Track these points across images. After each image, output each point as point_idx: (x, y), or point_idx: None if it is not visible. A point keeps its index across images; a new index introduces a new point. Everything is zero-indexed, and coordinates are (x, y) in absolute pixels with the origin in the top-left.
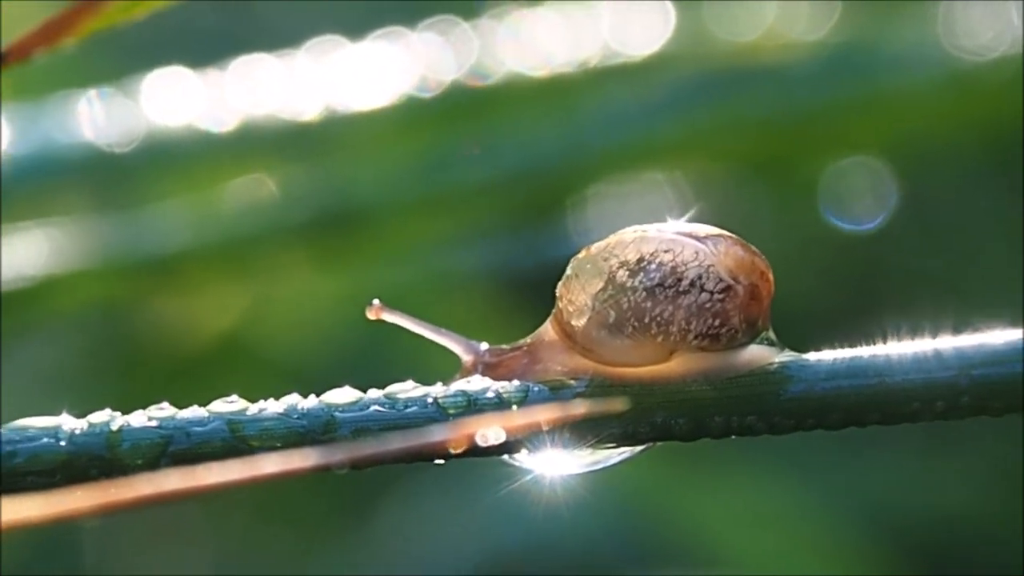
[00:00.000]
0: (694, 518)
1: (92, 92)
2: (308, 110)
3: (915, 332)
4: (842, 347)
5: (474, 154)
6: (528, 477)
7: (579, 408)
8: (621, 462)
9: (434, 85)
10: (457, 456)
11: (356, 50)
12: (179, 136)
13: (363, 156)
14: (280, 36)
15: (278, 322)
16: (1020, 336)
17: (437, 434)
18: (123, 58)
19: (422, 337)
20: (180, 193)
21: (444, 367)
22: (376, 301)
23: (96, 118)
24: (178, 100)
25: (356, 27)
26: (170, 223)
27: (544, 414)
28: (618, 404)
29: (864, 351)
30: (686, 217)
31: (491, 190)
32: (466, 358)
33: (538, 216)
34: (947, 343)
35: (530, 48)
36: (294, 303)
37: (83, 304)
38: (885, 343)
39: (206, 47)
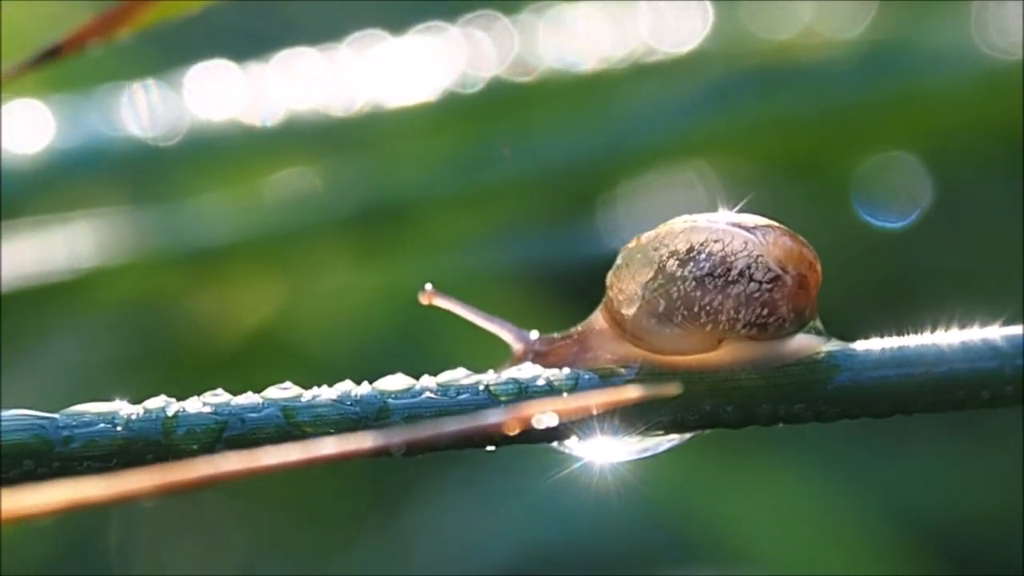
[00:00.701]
0: (725, 516)
1: (136, 86)
2: (350, 105)
3: (953, 325)
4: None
5: (513, 150)
6: (578, 464)
7: (632, 392)
8: (666, 453)
9: (475, 80)
10: (510, 441)
11: (397, 45)
12: (221, 130)
13: (403, 151)
14: (323, 31)
15: (316, 316)
16: None
17: (491, 418)
18: (167, 52)
19: (460, 332)
20: (222, 187)
21: (483, 362)
22: (428, 286)
23: (140, 112)
24: (221, 94)
25: (398, 22)
26: (212, 217)
27: (596, 399)
28: (672, 388)
29: (910, 341)
30: (735, 208)
31: (529, 186)
32: (516, 346)
33: (575, 212)
34: (992, 333)
35: (569, 44)
36: (333, 297)
37: (125, 297)
38: (929, 334)
39: (249, 42)
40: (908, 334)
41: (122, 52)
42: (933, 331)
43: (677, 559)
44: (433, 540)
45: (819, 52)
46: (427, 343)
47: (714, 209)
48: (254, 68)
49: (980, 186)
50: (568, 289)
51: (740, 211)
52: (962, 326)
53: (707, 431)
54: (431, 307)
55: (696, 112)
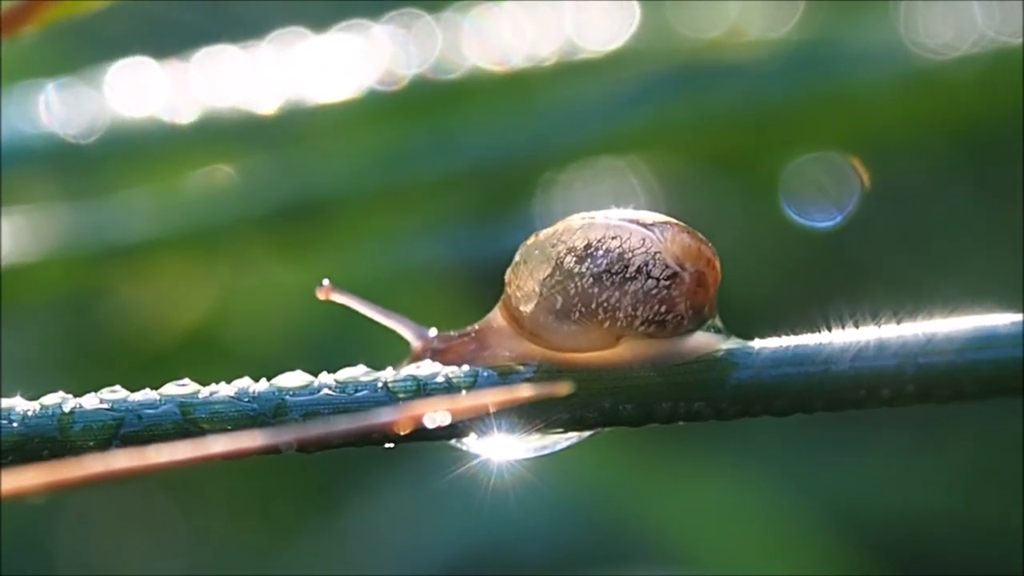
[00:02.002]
0: (663, 516)
1: (56, 82)
2: (271, 102)
3: (871, 322)
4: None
5: (436, 147)
6: (476, 462)
7: (525, 391)
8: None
9: (397, 78)
10: (405, 440)
11: (320, 42)
12: (142, 127)
13: (326, 148)
14: (244, 28)
15: (245, 314)
16: (965, 325)
17: (384, 416)
18: (87, 49)
19: (388, 328)
20: (143, 183)
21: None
22: (326, 281)
23: (60, 108)
24: (142, 91)
25: (320, 20)
26: (133, 213)
27: (491, 397)
28: (564, 388)
29: (810, 339)
30: (639, 204)
31: (453, 183)
32: (415, 343)
33: (500, 209)
34: (893, 332)
35: (493, 43)
36: (260, 295)
37: (47, 294)
38: (831, 332)
39: (169, 38)
40: (825, 328)
41: (40, 49)
42: (851, 325)
43: (615, 558)
44: (373, 538)
45: (746, 51)
46: (357, 339)
47: (636, 206)
48: (175, 65)
49: (908, 184)
50: (492, 286)
51: (661, 212)
52: (889, 321)
53: (608, 429)
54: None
55: (622, 110)
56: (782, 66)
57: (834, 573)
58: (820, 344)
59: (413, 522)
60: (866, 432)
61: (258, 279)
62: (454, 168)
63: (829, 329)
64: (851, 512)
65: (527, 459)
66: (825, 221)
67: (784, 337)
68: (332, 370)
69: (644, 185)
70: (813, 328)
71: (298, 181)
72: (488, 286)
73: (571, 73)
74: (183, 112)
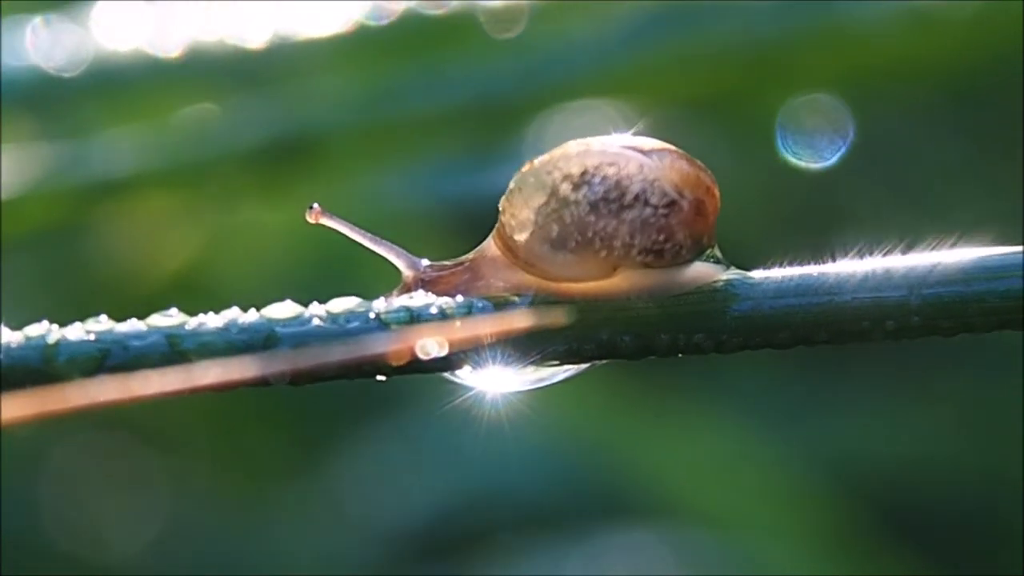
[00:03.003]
0: (654, 466)
1: (39, 17)
2: (259, 37)
3: (866, 256)
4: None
5: (425, 84)
6: (470, 394)
7: (522, 320)
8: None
9: (387, 12)
10: (398, 372)
11: None
12: (127, 62)
13: (314, 84)
14: None
15: (231, 253)
16: (972, 257)
17: (378, 346)
18: None
19: (378, 267)
20: (128, 119)
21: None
22: (316, 205)
23: (43, 43)
24: (126, 25)
25: None
26: (118, 149)
27: (487, 327)
28: (562, 317)
29: (813, 270)
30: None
31: (444, 120)
32: (406, 272)
33: (490, 146)
34: (898, 262)
35: None
36: (246, 233)
37: (30, 232)
38: (835, 263)
39: None
40: (825, 259)
41: None
42: (850, 257)
43: (606, 508)
44: (361, 491)
45: None
46: (345, 277)
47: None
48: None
49: (904, 125)
50: (481, 222)
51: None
52: (875, 256)
53: (605, 362)
54: (348, 241)
55: (614, 47)
56: (775, 4)
57: (824, 522)
58: (823, 275)
59: (395, 474)
60: (856, 384)
61: (245, 217)
62: (444, 105)
63: (833, 260)
64: (840, 462)
65: (522, 392)
66: (817, 162)
67: (786, 268)
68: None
69: (636, 125)
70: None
71: (286, 117)
72: (477, 224)
73: (563, 10)
74: (169, 47)
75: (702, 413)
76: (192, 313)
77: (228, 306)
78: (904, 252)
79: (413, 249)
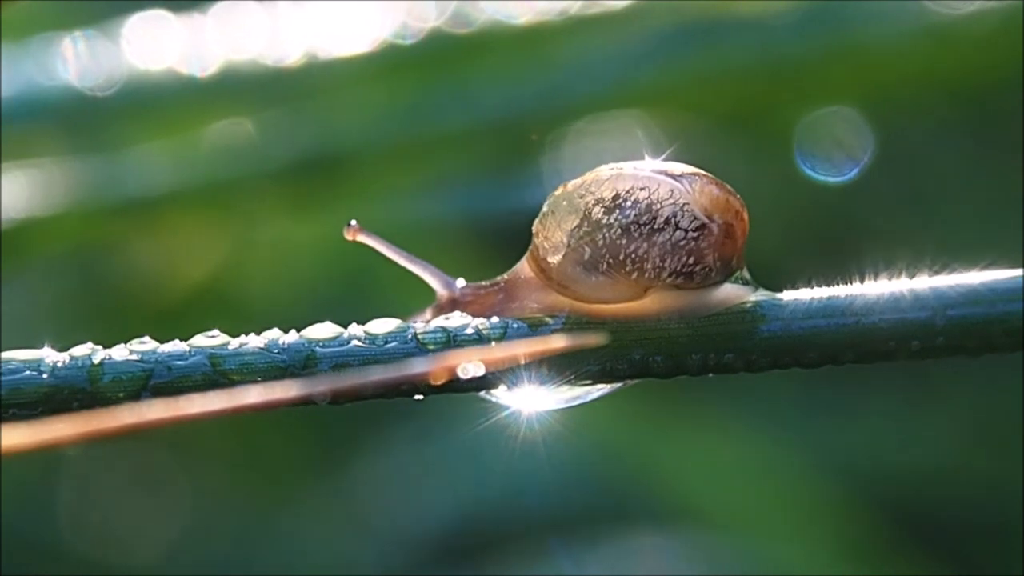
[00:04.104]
0: (672, 473)
1: (74, 35)
2: (289, 55)
3: (889, 276)
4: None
5: (452, 101)
6: (506, 413)
7: (559, 341)
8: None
9: (415, 31)
10: (437, 391)
11: None
12: (159, 80)
13: (343, 102)
14: None
15: (259, 268)
16: (996, 277)
17: (417, 366)
18: (105, 2)
19: (403, 283)
20: (160, 137)
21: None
22: (353, 222)
23: (77, 61)
24: (159, 44)
25: None
26: (150, 166)
27: (523, 348)
28: (596, 339)
29: (840, 291)
30: (663, 156)
31: (470, 136)
32: (442, 292)
33: (515, 162)
34: (923, 283)
35: None
36: (275, 249)
37: (65, 247)
38: (861, 284)
39: None
40: (850, 280)
41: (60, 4)
42: (875, 278)
43: (622, 514)
44: (380, 495)
45: (758, 5)
46: (370, 293)
47: (661, 159)
48: (193, 18)
49: (922, 139)
50: (507, 239)
51: (672, 161)
52: (899, 277)
53: (636, 381)
54: (374, 257)
55: (638, 64)
56: (794, 21)
57: (841, 528)
58: (851, 296)
59: (414, 480)
60: (869, 391)
61: (273, 234)
62: (470, 122)
63: (861, 282)
64: (856, 469)
65: (556, 410)
66: (836, 177)
67: (814, 289)
68: (346, 326)
69: (656, 140)
70: (826, 283)
71: (315, 135)
72: (504, 240)
73: (587, 27)
74: (200, 65)
75: (720, 420)
76: (219, 326)
77: (258, 320)
78: (929, 271)
79: (440, 264)
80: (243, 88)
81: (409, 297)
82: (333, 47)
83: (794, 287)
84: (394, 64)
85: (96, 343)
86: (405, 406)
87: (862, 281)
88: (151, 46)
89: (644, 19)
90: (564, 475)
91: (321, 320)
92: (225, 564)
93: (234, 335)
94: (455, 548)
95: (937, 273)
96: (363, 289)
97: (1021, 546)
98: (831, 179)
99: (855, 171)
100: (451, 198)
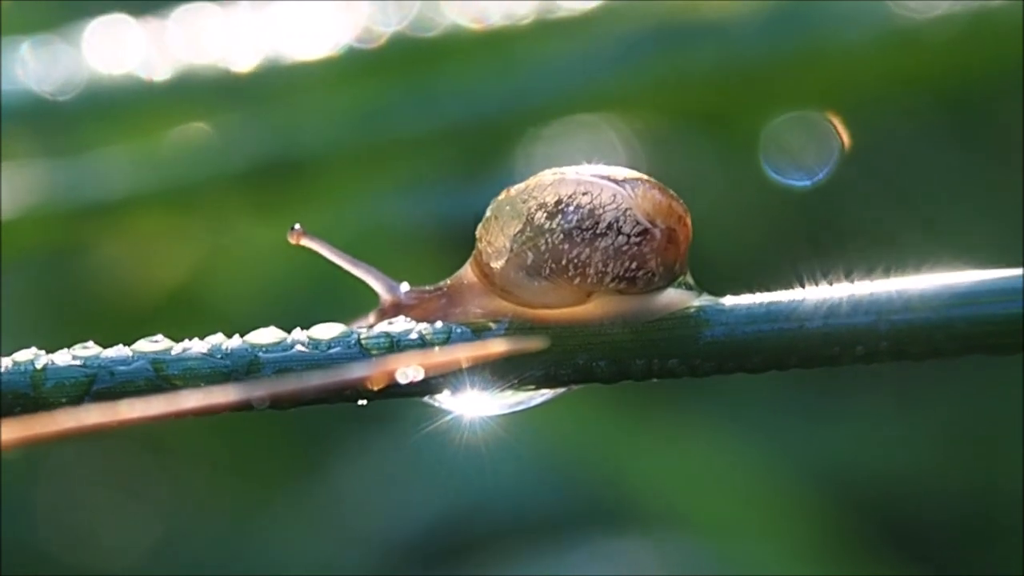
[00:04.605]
0: (644, 476)
1: (34, 40)
2: (249, 59)
3: (846, 279)
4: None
5: (414, 105)
6: (448, 418)
7: (499, 346)
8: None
9: (375, 36)
10: (378, 396)
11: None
12: (120, 84)
13: (304, 106)
14: None
15: (224, 272)
16: (941, 282)
17: (356, 371)
18: (65, 6)
19: (370, 287)
20: (121, 140)
21: None
22: (297, 226)
23: (37, 66)
24: (119, 48)
25: None
26: (111, 170)
27: (464, 352)
28: (538, 343)
29: (784, 296)
30: (626, 160)
31: (431, 141)
32: (385, 296)
33: (478, 167)
34: (867, 289)
35: (472, 0)
36: (239, 252)
37: (28, 251)
38: (805, 289)
39: None
40: (806, 287)
41: (20, 7)
42: (831, 283)
43: (597, 517)
44: (358, 498)
45: (725, 8)
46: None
47: (610, 163)
48: (153, 22)
49: (889, 143)
50: (471, 244)
51: (640, 170)
52: (862, 279)
53: (580, 386)
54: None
55: (601, 68)
56: (762, 24)
57: (814, 531)
58: (794, 301)
59: (393, 485)
60: (846, 393)
61: (237, 237)
62: (432, 126)
63: (803, 286)
64: (831, 472)
65: (501, 415)
66: (805, 180)
67: (758, 294)
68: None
69: (623, 144)
70: (791, 286)
71: (276, 139)
72: (466, 244)
73: (550, 31)
74: (161, 69)
75: (693, 423)
76: (187, 330)
77: (223, 323)
78: (891, 266)
79: (403, 268)
80: (205, 92)
81: (374, 300)
82: (295, 51)
83: (756, 291)
84: (357, 68)
85: (58, 348)
86: (383, 410)
87: (817, 284)
88: (112, 50)
89: (609, 23)
90: (541, 479)
91: (287, 322)
92: (205, 567)
93: (197, 339)
94: (433, 551)
95: (900, 272)
96: (330, 291)
97: (999, 548)
98: (797, 183)
99: (821, 175)
100: (415, 202)
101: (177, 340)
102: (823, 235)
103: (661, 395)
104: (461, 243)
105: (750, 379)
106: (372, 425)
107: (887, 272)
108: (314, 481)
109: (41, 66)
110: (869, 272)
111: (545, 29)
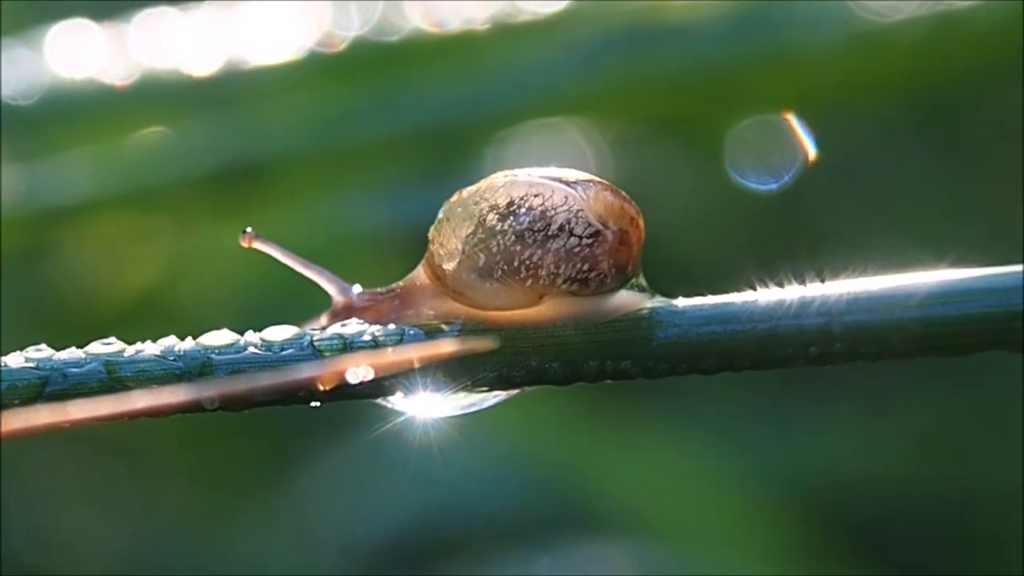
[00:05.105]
0: (610, 482)
1: None
2: (211, 64)
3: (802, 281)
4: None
5: (377, 109)
6: (400, 419)
7: (449, 346)
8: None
9: (337, 40)
10: (330, 397)
11: (259, 4)
12: (82, 88)
13: (266, 110)
14: None
15: (188, 275)
16: (894, 284)
17: (306, 371)
18: (27, 11)
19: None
20: (83, 144)
21: None
22: (249, 229)
23: None
24: (81, 52)
25: None
26: (74, 174)
27: (416, 353)
28: (487, 343)
29: (737, 298)
30: (572, 166)
31: (394, 145)
32: (337, 298)
33: (441, 171)
34: (818, 290)
35: (433, 5)
36: (203, 256)
37: None
38: (759, 290)
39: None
40: (760, 289)
41: None
42: (784, 285)
43: (565, 523)
44: (328, 504)
45: (689, 12)
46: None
47: (573, 167)
48: (114, 26)
49: (852, 146)
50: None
51: (607, 172)
52: (819, 280)
53: (534, 388)
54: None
55: (565, 72)
56: (726, 28)
57: (785, 536)
58: (747, 303)
59: (360, 492)
60: (812, 399)
61: (200, 241)
62: (395, 130)
63: (758, 289)
64: (801, 476)
65: (456, 417)
66: (770, 184)
67: (711, 296)
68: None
69: (586, 148)
70: (751, 289)
71: (238, 143)
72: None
73: (512, 35)
74: (123, 74)
75: (663, 428)
76: (152, 335)
77: (188, 327)
78: (855, 269)
79: (366, 272)
80: (167, 96)
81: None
82: (257, 55)
83: (724, 292)
84: (319, 72)
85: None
86: (351, 416)
87: (771, 286)
88: (74, 54)
89: (573, 26)
90: (503, 487)
91: (252, 325)
92: (174, 573)
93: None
94: (401, 555)
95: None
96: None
97: (969, 554)
98: (762, 186)
99: (787, 179)
100: (378, 206)
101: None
102: (789, 238)
103: (624, 400)
104: (423, 246)
105: (716, 383)
106: (338, 432)
107: (852, 274)
108: (282, 488)
109: (3, 70)
110: (834, 274)
111: (508, 33)
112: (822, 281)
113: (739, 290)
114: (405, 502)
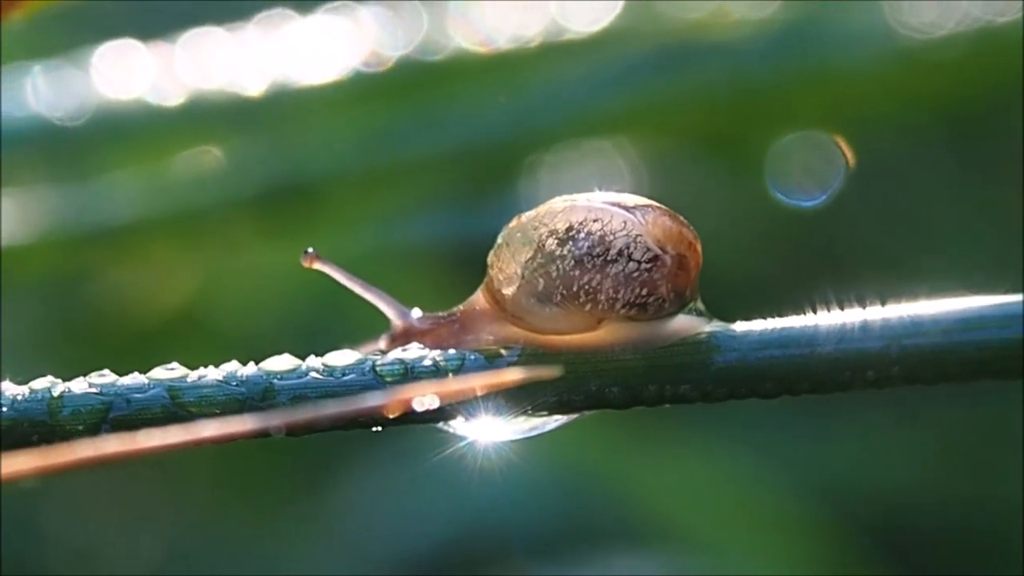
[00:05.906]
0: (649, 495)
1: (43, 65)
2: (258, 84)
3: (857, 303)
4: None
5: (421, 129)
6: (463, 443)
7: (514, 375)
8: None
9: (383, 60)
10: (393, 423)
11: (306, 24)
12: (129, 109)
13: (312, 130)
14: (230, 9)
15: (232, 295)
16: (950, 307)
17: (373, 400)
18: (74, 31)
19: (377, 311)
20: (130, 165)
21: None
22: (311, 249)
23: (47, 91)
24: (128, 73)
25: (306, 1)
26: (121, 195)
27: (479, 381)
28: (553, 371)
29: (795, 321)
30: (618, 188)
31: (438, 164)
32: (397, 322)
33: (486, 190)
34: (878, 314)
35: (478, 24)
36: (247, 276)
37: (37, 276)
38: (817, 314)
39: (156, 20)
40: (817, 312)
41: (27, 32)
42: (843, 308)
43: (600, 537)
44: (360, 517)
45: (730, 31)
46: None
47: (622, 187)
48: (162, 47)
49: (895, 164)
50: (479, 267)
51: (647, 192)
52: (872, 302)
53: (593, 412)
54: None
55: (607, 90)
56: (766, 46)
57: (816, 547)
58: (806, 327)
59: (398, 503)
60: (843, 410)
61: (245, 261)
62: (440, 149)
63: (815, 311)
64: (831, 487)
65: (514, 440)
66: (810, 201)
67: (769, 320)
68: (320, 352)
69: (629, 166)
70: (799, 308)
71: (285, 162)
72: (474, 267)
73: (556, 54)
74: (170, 94)
75: (695, 441)
76: (196, 356)
77: (231, 348)
78: (898, 288)
79: (410, 290)
80: (213, 117)
81: (384, 324)
82: (303, 75)
83: (764, 313)
84: (365, 92)
85: (68, 374)
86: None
87: (828, 308)
88: (120, 75)
89: (614, 45)
90: (542, 498)
91: (295, 346)
92: None
93: (209, 362)
94: (443, 567)
95: (910, 298)
96: (337, 314)
97: (996, 561)
98: (803, 203)
99: (827, 196)
100: (423, 225)
101: (185, 364)
102: (828, 256)
103: (664, 414)
104: (468, 265)
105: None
106: (378, 443)
107: (896, 293)
108: (320, 499)
109: (51, 91)
110: (875, 293)
111: (551, 52)
112: (870, 303)
113: (784, 308)
114: (445, 513)
